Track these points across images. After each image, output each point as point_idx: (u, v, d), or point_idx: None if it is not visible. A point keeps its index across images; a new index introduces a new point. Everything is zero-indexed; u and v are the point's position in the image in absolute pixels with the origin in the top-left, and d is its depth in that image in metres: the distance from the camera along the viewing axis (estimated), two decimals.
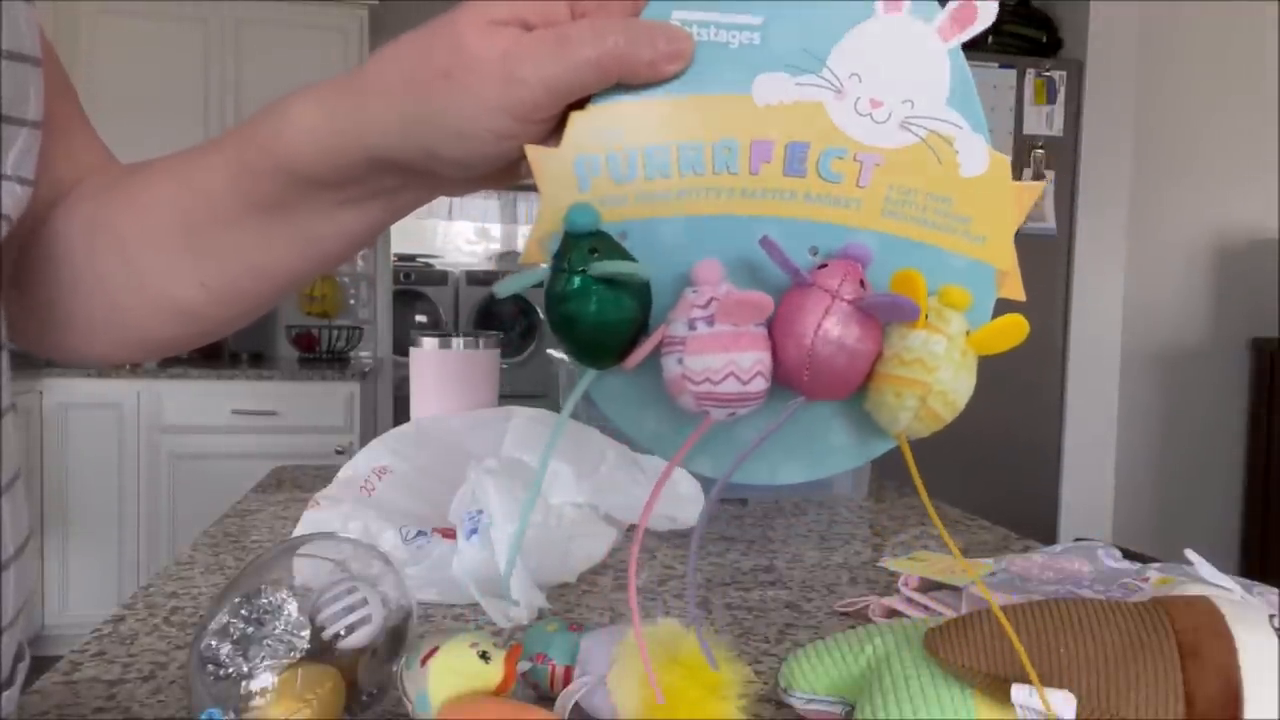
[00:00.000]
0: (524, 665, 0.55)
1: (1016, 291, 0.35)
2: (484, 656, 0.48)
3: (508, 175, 0.37)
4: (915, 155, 0.34)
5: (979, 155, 0.34)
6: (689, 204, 0.35)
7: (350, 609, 0.51)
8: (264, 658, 0.47)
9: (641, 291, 0.34)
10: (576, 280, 0.33)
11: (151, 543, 2.92)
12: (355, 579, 0.53)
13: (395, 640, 0.53)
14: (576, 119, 0.35)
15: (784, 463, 0.39)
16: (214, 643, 0.48)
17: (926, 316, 0.33)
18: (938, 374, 0.33)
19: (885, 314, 0.34)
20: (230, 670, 0.47)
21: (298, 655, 0.48)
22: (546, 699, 0.55)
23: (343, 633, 0.50)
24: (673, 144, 0.35)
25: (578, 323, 0.34)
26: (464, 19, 0.34)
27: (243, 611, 0.49)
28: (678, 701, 0.46)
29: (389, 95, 0.36)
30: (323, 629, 0.50)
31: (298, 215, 0.41)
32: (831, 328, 0.33)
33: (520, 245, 7.53)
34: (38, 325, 0.48)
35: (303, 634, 0.48)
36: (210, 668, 0.47)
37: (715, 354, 0.33)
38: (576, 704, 0.52)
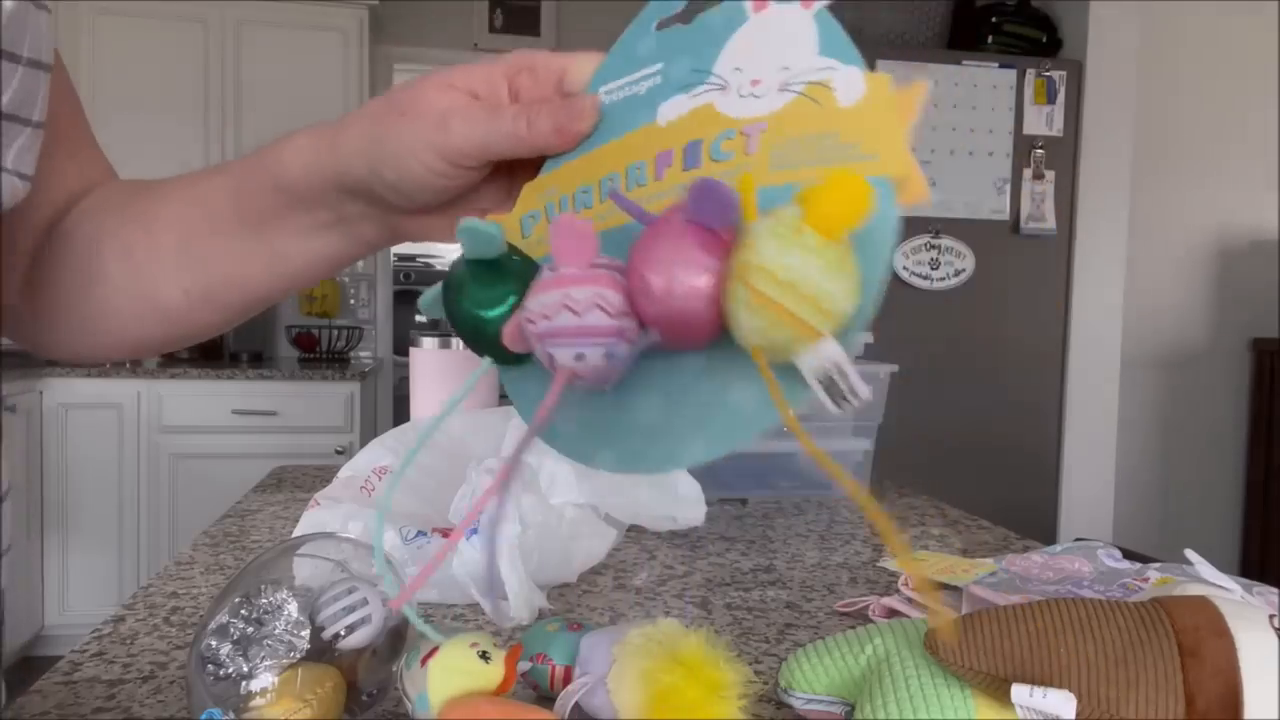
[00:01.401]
0: (524, 665, 0.55)
1: (920, 192, 0.33)
2: (484, 656, 0.48)
3: (445, 215, 0.44)
4: (796, 108, 0.35)
5: (854, 84, 0.34)
6: (609, 222, 0.39)
7: (350, 609, 0.51)
8: (264, 658, 0.47)
9: (521, 276, 0.37)
10: (454, 273, 0.38)
11: (151, 543, 2.92)
12: (355, 579, 0.53)
13: (395, 640, 0.53)
14: (526, 188, 0.42)
15: (684, 443, 0.37)
16: (214, 643, 0.48)
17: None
18: (756, 249, 0.30)
19: (702, 209, 0.32)
20: (230, 670, 0.47)
21: (298, 655, 0.48)
22: (546, 699, 0.55)
23: (343, 633, 0.50)
24: (595, 181, 0.40)
25: (456, 312, 0.38)
26: (430, 79, 0.42)
27: (243, 611, 0.49)
28: (678, 701, 0.46)
29: (360, 124, 0.43)
30: (323, 629, 0.50)
31: (275, 234, 0.47)
32: (663, 249, 0.33)
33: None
34: (37, 325, 0.51)
35: (303, 634, 0.48)
36: (210, 668, 0.47)
37: (550, 291, 0.34)
38: (576, 704, 0.52)
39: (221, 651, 0.48)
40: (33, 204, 0.47)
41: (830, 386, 0.32)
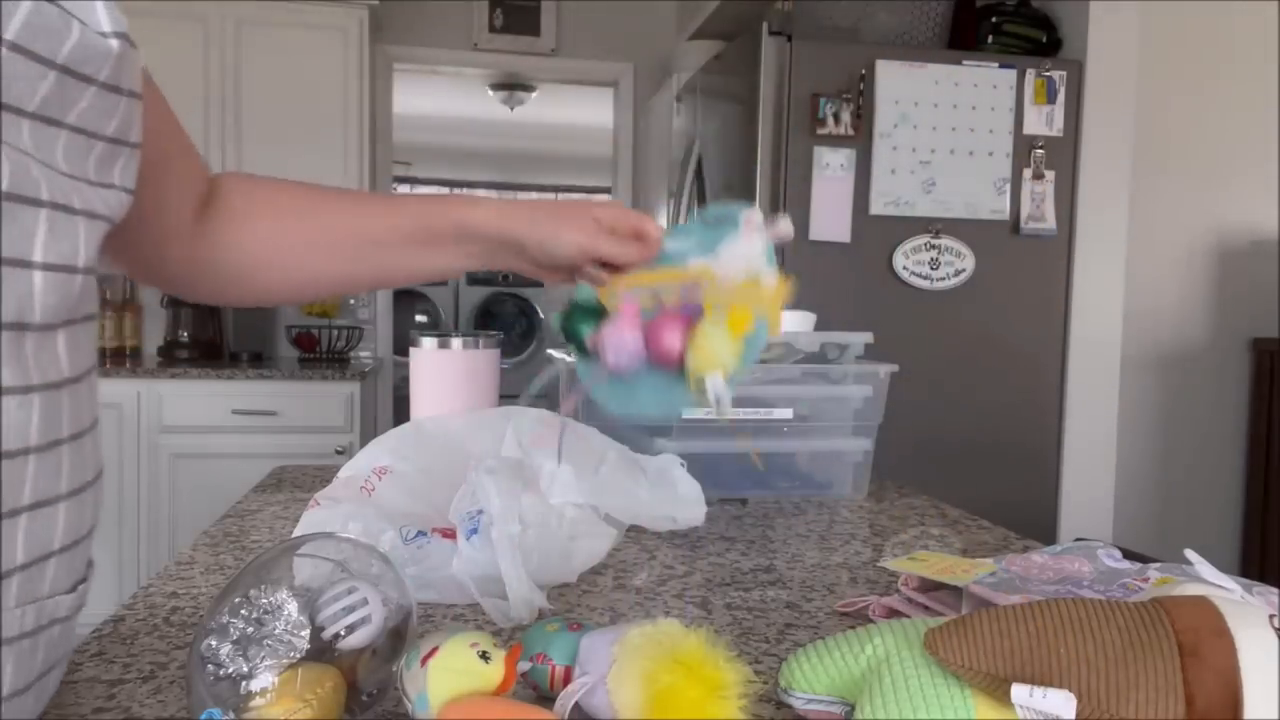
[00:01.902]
0: (524, 665, 0.55)
1: (776, 333, 0.71)
2: (484, 656, 0.48)
3: (553, 273, 0.74)
4: (744, 281, 0.70)
5: (770, 278, 0.71)
6: (648, 302, 0.74)
7: (350, 609, 0.51)
8: (264, 658, 0.47)
9: (599, 316, 0.72)
10: (569, 308, 0.75)
11: (152, 543, 2.92)
12: (355, 579, 0.53)
13: (395, 640, 0.53)
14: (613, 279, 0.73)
15: (650, 406, 0.71)
16: (214, 642, 0.48)
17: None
18: (703, 331, 0.68)
19: (687, 311, 0.70)
20: (230, 670, 0.47)
21: (298, 655, 0.48)
22: (546, 699, 0.55)
23: (343, 633, 0.50)
24: (648, 285, 0.72)
25: (567, 328, 0.74)
26: (596, 208, 0.72)
27: (243, 611, 0.49)
28: (678, 701, 0.46)
29: (533, 211, 0.72)
30: (323, 629, 0.50)
31: (434, 252, 0.73)
32: (665, 326, 0.69)
33: None
34: (199, 277, 0.70)
35: (303, 634, 0.48)
36: (210, 668, 0.47)
37: (609, 329, 0.70)
38: (576, 704, 0.52)
39: (221, 651, 0.48)
40: (173, 195, 0.64)
41: (716, 399, 0.67)
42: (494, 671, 0.48)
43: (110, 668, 0.63)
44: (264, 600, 0.49)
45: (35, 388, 0.42)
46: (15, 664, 0.43)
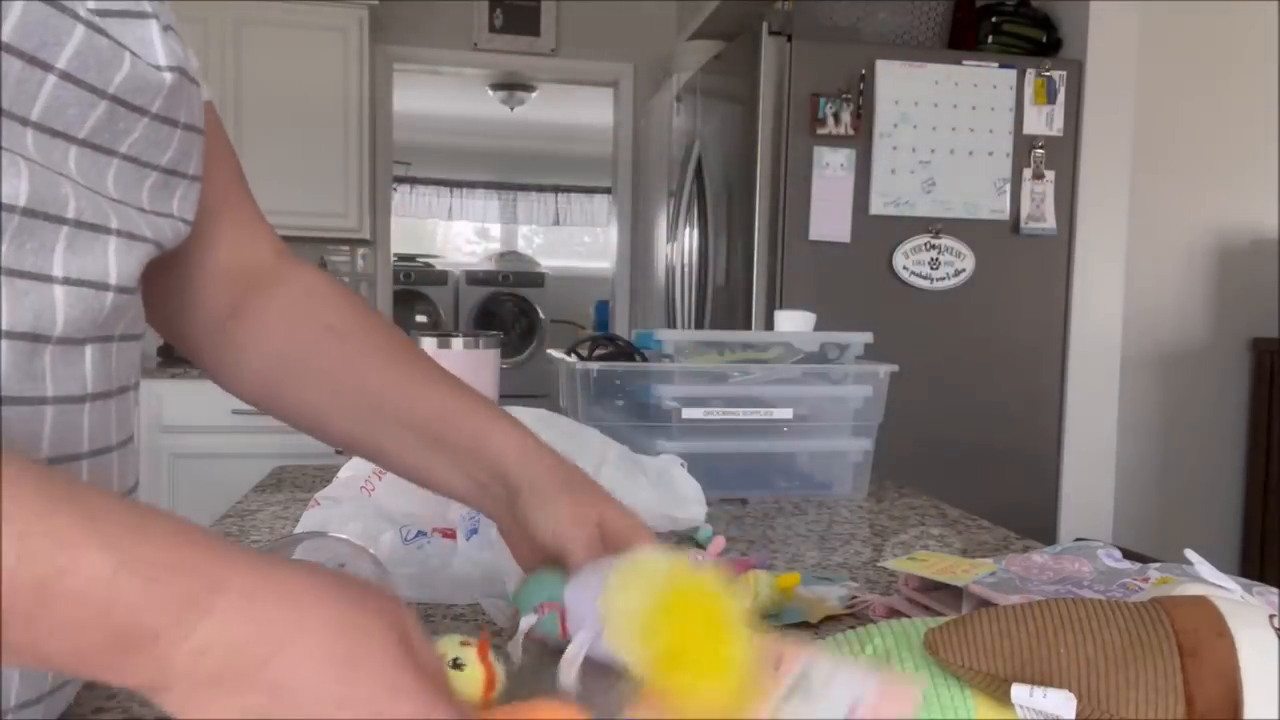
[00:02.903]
0: (528, 621, 0.53)
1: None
2: (457, 665, 0.44)
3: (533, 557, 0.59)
4: None
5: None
6: None
7: None
8: None
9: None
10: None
11: None
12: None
13: None
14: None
15: None
16: None
17: None
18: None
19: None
20: None
21: None
22: (558, 649, 0.51)
23: None
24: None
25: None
26: (603, 504, 0.57)
27: None
28: (689, 659, 0.42)
29: (554, 470, 0.58)
30: None
31: (443, 459, 0.61)
32: None
33: (519, 245, 7.53)
34: (220, 365, 0.68)
35: None
36: None
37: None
38: (586, 659, 0.48)
39: None
40: (208, 257, 0.60)
41: None
42: (472, 676, 0.46)
43: None
44: None
45: (49, 400, 0.42)
46: (23, 675, 0.43)
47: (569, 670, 0.48)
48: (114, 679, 0.33)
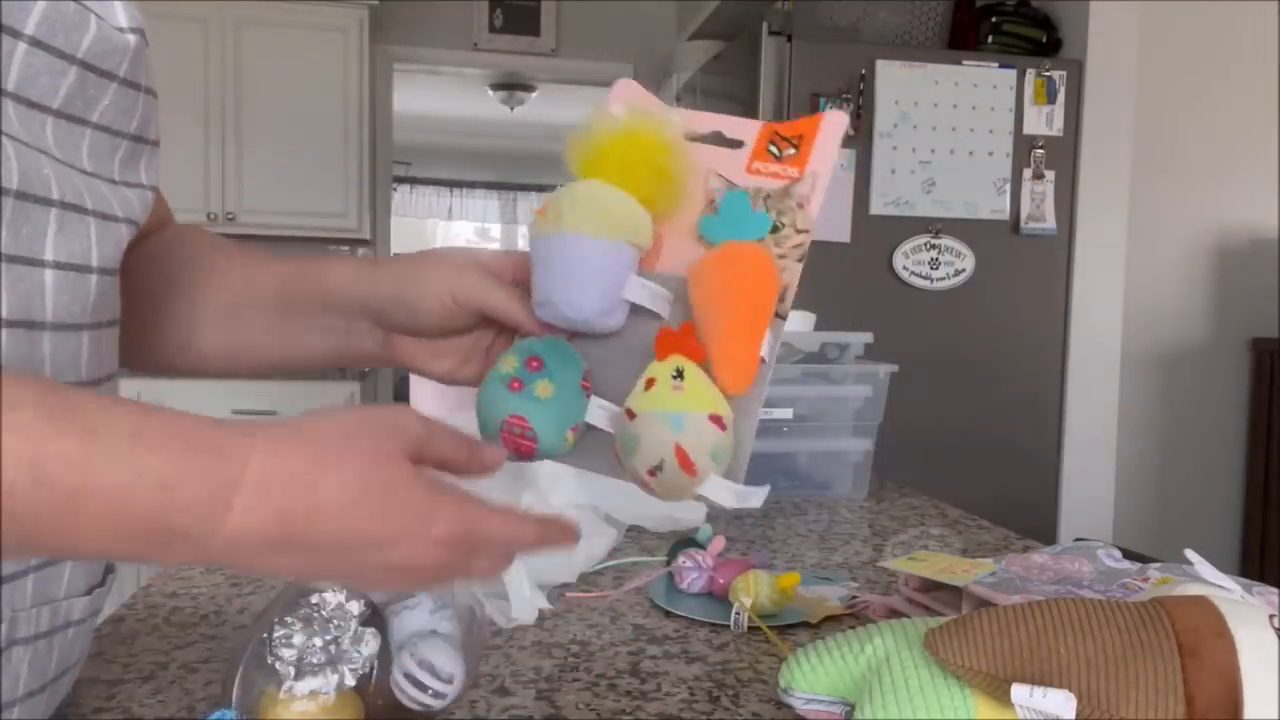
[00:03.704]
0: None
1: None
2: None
3: (431, 348, 0.57)
4: None
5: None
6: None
7: (428, 684, 0.49)
8: (318, 671, 0.47)
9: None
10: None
11: None
12: (450, 642, 0.52)
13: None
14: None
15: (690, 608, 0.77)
16: (289, 630, 0.48)
17: None
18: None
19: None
20: (285, 657, 0.47)
21: (344, 684, 0.47)
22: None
23: (407, 696, 0.49)
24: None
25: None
26: (457, 250, 0.56)
27: (324, 618, 0.49)
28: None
29: (395, 264, 0.56)
30: (398, 688, 0.49)
31: (299, 325, 0.58)
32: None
33: (520, 244, 7.54)
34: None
35: (359, 666, 0.48)
36: (273, 648, 0.47)
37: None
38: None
39: (293, 638, 0.47)
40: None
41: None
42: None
43: (110, 668, 0.63)
44: (352, 626, 0.48)
45: None
46: (30, 664, 0.43)
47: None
48: (161, 564, 0.36)
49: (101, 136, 0.45)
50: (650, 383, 0.49)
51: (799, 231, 0.53)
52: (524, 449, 0.50)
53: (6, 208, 0.38)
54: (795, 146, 0.54)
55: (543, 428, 0.50)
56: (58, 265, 0.41)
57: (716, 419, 0.48)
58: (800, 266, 0.53)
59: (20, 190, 0.39)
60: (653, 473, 0.48)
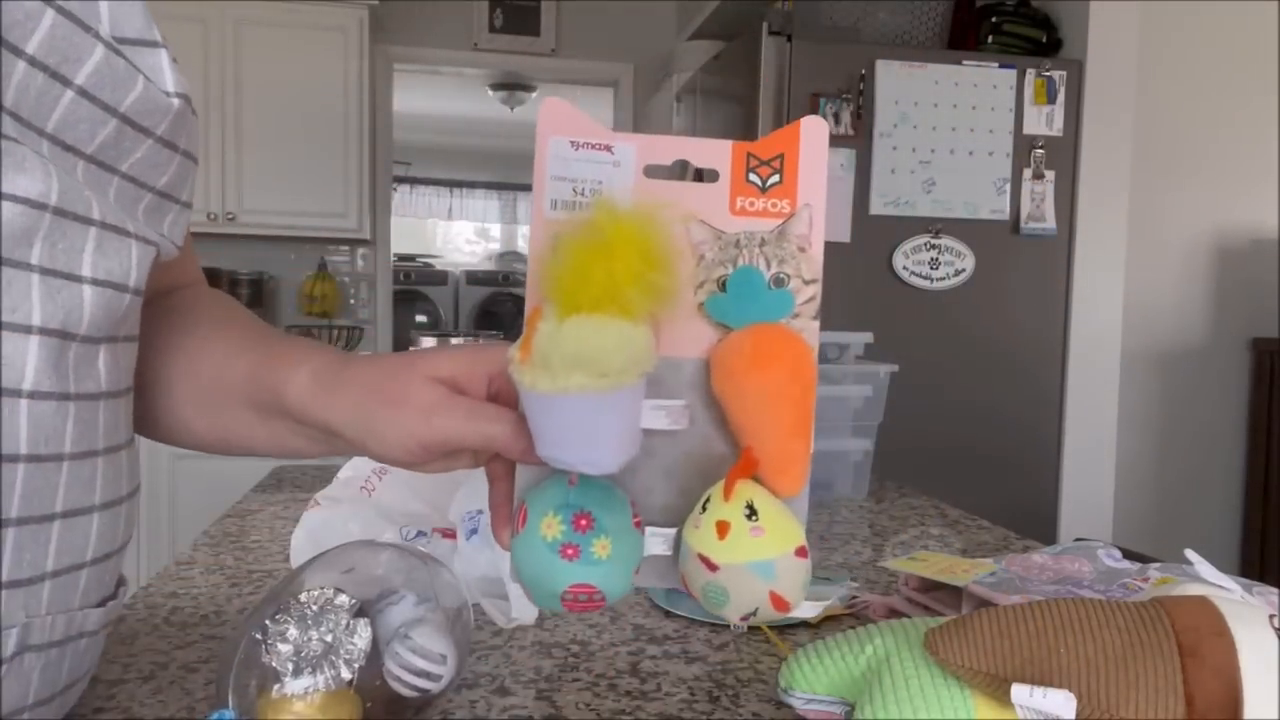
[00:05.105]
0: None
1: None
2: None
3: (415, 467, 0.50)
4: None
5: None
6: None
7: (424, 673, 0.50)
8: (313, 670, 0.47)
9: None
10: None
11: (152, 543, 2.92)
12: (439, 630, 0.52)
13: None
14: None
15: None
16: (283, 625, 0.48)
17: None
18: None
19: None
20: (281, 653, 0.47)
21: (339, 683, 0.48)
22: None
23: (403, 685, 0.50)
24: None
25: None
26: (417, 370, 0.48)
27: (317, 612, 0.49)
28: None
29: (353, 394, 0.49)
30: (393, 675, 0.50)
31: (275, 423, 0.53)
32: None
33: (520, 245, 7.52)
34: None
35: (355, 665, 0.48)
36: (267, 647, 0.47)
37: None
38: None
39: (287, 633, 0.48)
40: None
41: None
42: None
43: (110, 668, 0.63)
44: (343, 620, 0.49)
45: (72, 396, 0.43)
46: (42, 672, 0.43)
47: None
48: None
49: (128, 186, 0.47)
50: (723, 527, 0.44)
51: (807, 283, 0.48)
52: (593, 608, 0.46)
53: (42, 223, 0.40)
54: (777, 170, 0.48)
55: (609, 585, 0.45)
56: (95, 282, 0.44)
57: (802, 551, 0.44)
58: (817, 325, 0.48)
59: (59, 207, 0.41)
60: (746, 617, 0.45)
